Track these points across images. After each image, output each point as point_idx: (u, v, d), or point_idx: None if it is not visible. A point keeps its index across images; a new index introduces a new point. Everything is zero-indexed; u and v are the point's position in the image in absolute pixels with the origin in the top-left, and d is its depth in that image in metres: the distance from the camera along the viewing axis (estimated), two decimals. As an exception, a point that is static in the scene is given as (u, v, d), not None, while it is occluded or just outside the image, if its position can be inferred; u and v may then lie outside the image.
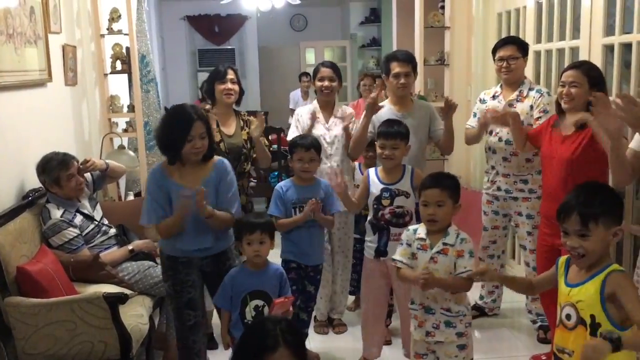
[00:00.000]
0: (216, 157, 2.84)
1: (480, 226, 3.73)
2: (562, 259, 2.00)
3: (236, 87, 3.51)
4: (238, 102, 3.61)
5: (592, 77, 2.87)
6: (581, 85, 2.86)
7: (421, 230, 2.54)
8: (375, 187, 3.07)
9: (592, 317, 1.81)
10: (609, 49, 3.28)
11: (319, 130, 3.62)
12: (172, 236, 2.74)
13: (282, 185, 3.25)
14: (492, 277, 2.44)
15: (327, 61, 3.81)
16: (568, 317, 1.88)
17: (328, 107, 3.66)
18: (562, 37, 3.74)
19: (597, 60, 3.30)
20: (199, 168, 2.73)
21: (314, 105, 3.71)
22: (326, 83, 3.58)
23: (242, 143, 3.49)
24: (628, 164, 2.47)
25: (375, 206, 3.07)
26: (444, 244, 2.45)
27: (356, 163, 3.75)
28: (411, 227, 2.60)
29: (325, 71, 3.60)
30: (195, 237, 2.71)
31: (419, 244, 2.51)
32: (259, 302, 2.64)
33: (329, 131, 3.62)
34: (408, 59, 3.40)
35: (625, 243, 3.21)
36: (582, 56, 3.44)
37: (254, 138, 3.49)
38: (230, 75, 3.48)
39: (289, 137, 3.70)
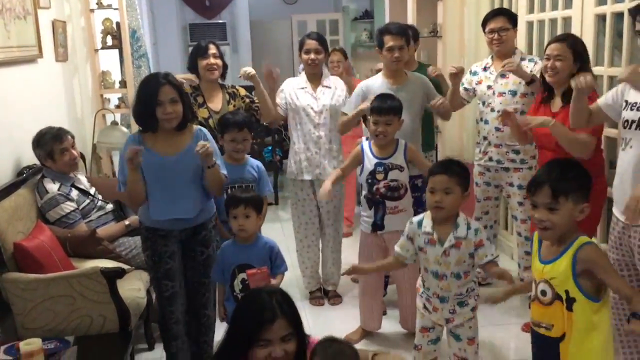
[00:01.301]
0: (195, 126, 2.78)
1: (473, 198, 3.77)
2: (536, 235, 2.03)
3: (219, 62, 3.49)
4: (223, 76, 3.60)
5: (576, 50, 2.90)
6: (566, 59, 2.89)
7: (426, 222, 2.46)
8: (369, 161, 3.08)
9: (567, 292, 1.86)
10: (601, 18, 3.28)
11: (306, 100, 3.63)
12: (138, 202, 2.67)
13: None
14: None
15: (313, 32, 3.80)
16: (543, 293, 1.93)
17: (315, 78, 3.68)
18: (554, 7, 3.72)
19: (590, 30, 3.30)
20: (177, 137, 2.66)
21: (302, 77, 3.72)
22: (312, 56, 3.59)
23: None
24: (586, 112, 2.60)
25: (369, 181, 3.08)
26: (456, 237, 2.38)
27: (364, 138, 3.73)
28: (415, 219, 2.53)
29: (311, 43, 3.61)
30: (173, 206, 2.64)
31: (426, 238, 2.45)
32: (245, 276, 2.65)
33: (317, 100, 3.63)
34: (401, 32, 3.38)
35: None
36: (575, 26, 3.44)
37: (252, 80, 3.41)
38: (212, 50, 3.46)
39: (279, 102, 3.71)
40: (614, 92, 2.55)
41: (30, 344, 2.17)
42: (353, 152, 3.19)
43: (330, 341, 1.86)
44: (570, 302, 1.85)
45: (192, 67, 3.53)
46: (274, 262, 2.76)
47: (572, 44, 2.91)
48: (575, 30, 3.40)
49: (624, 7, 3.07)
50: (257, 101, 3.55)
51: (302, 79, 3.71)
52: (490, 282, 3.95)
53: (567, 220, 1.87)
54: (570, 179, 1.90)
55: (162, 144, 2.64)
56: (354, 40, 9.67)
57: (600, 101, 2.62)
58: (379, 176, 3.05)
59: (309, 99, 3.64)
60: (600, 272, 1.82)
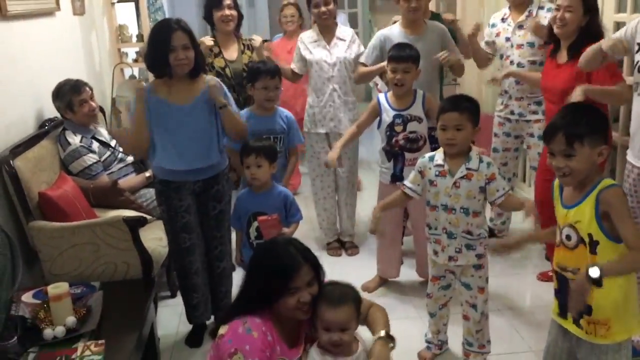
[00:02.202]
0: (207, 76, 2.78)
1: (489, 151, 3.75)
2: (557, 182, 2.02)
3: (234, 12, 3.48)
4: (238, 27, 3.58)
5: (587, 2, 2.84)
6: (576, 10, 2.84)
7: (438, 156, 2.48)
8: (387, 113, 3.06)
9: (590, 235, 1.86)
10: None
11: (320, 53, 3.61)
12: (139, 146, 2.69)
13: (243, 114, 3.03)
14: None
15: None
16: (568, 237, 1.92)
17: (328, 31, 3.63)
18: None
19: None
20: (189, 86, 2.66)
21: (315, 30, 3.67)
22: (322, 8, 3.54)
23: (243, 67, 3.50)
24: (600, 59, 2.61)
25: (388, 133, 3.07)
26: (468, 169, 2.41)
27: (378, 86, 3.72)
28: (427, 155, 2.55)
29: None
30: (188, 154, 2.66)
31: (437, 170, 2.47)
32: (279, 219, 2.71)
33: (330, 54, 3.60)
34: None
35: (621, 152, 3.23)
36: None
37: (255, 48, 3.47)
38: (227, 1, 3.45)
39: (292, 64, 3.71)
40: (623, 32, 2.50)
41: (57, 287, 2.24)
42: (369, 106, 3.18)
43: (333, 284, 1.92)
44: (594, 245, 1.85)
45: (208, 18, 3.52)
46: (289, 210, 2.80)
47: None
48: (599, -25, 3.30)
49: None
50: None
51: (314, 32, 3.67)
52: (506, 234, 3.97)
53: (585, 165, 1.86)
54: (584, 123, 1.87)
55: (175, 93, 2.65)
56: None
57: (616, 37, 2.56)
58: (398, 128, 3.04)
59: (322, 52, 3.61)
60: (616, 217, 1.82)
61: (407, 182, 2.58)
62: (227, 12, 3.45)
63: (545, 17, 3.31)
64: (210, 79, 2.67)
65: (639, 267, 1.95)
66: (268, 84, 3.10)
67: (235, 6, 3.51)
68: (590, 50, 2.62)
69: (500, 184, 2.42)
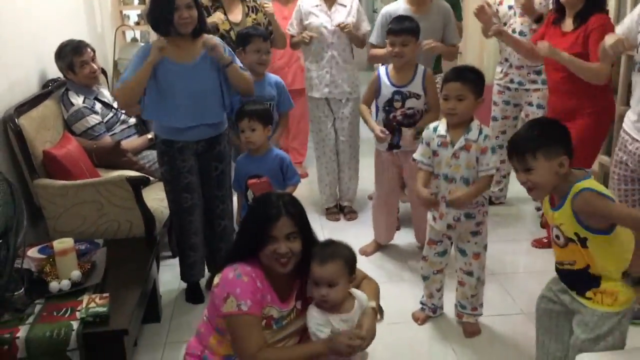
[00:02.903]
0: (206, 36, 2.78)
1: (488, 116, 3.78)
2: None
3: None
4: None
5: None
6: None
7: (441, 126, 2.51)
8: (387, 89, 3.07)
9: (576, 234, 1.91)
10: None
11: (320, 19, 3.61)
12: (132, 102, 2.70)
13: None
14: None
15: None
16: (557, 237, 1.99)
17: None
18: None
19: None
20: (192, 45, 2.69)
21: None
22: None
23: None
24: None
25: (386, 108, 3.09)
26: (466, 139, 2.43)
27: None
28: (431, 125, 2.57)
29: None
30: (194, 112, 2.69)
31: (439, 140, 2.49)
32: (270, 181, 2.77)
33: (331, 19, 3.60)
34: None
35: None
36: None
37: (269, 15, 3.46)
38: None
39: (288, 28, 3.71)
40: (630, 21, 2.51)
41: (63, 242, 2.30)
42: (370, 81, 3.18)
43: (328, 243, 1.96)
44: (583, 241, 1.90)
45: None
46: (285, 173, 2.84)
47: None
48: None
49: None
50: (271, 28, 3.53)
51: None
52: (503, 202, 4.03)
53: (546, 177, 1.89)
54: (535, 137, 1.91)
55: (178, 52, 2.67)
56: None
57: (621, 31, 2.57)
58: (397, 104, 3.06)
59: (323, 18, 3.61)
60: (603, 214, 1.85)
61: (418, 157, 2.59)
62: None
63: None
64: (208, 38, 2.69)
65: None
66: (260, 47, 3.09)
67: None
68: (600, 51, 2.64)
69: (488, 159, 2.43)
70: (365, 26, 3.65)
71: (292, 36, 3.73)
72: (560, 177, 1.89)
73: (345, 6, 3.63)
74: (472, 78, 2.43)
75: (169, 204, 2.91)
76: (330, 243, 1.96)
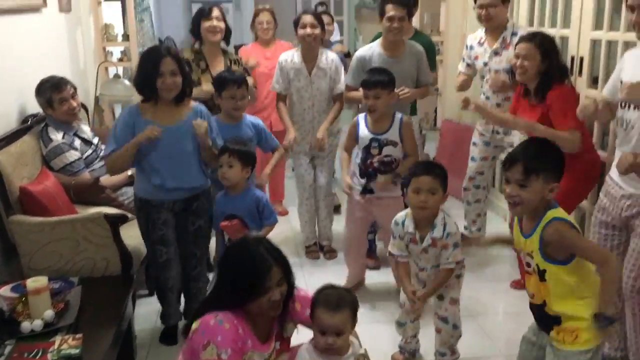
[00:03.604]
0: (193, 102, 2.84)
1: (465, 158, 3.84)
2: None
3: (222, 25, 3.55)
4: (226, 41, 3.65)
5: (543, 48, 2.96)
6: (532, 57, 2.96)
7: (408, 222, 2.57)
8: (365, 136, 3.13)
9: (537, 265, 1.97)
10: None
11: (300, 83, 3.66)
12: (117, 171, 2.81)
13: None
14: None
15: (309, 9, 3.85)
16: (528, 264, 2.03)
17: (311, 57, 3.65)
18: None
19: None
20: (175, 110, 2.73)
21: (298, 55, 3.68)
22: (308, 30, 3.57)
23: None
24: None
25: (363, 155, 3.14)
26: (432, 238, 2.51)
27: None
28: (399, 220, 2.61)
29: (307, 17, 3.61)
30: (174, 174, 2.72)
31: (408, 237, 2.57)
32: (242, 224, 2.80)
33: (311, 84, 3.66)
34: (404, 2, 3.37)
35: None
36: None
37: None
38: (215, 12, 3.54)
39: (272, 86, 3.77)
40: (613, 79, 2.59)
41: (37, 281, 2.25)
42: (349, 128, 3.24)
43: (329, 288, 1.97)
44: (541, 274, 1.96)
45: (195, 30, 3.59)
46: (261, 212, 2.84)
47: (540, 43, 2.97)
48: (577, -4, 3.41)
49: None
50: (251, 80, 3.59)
51: (297, 58, 3.68)
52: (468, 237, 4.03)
53: (536, 197, 1.94)
54: (544, 158, 1.97)
55: (160, 115, 2.71)
56: (357, 1, 9.59)
57: (605, 92, 2.64)
58: (374, 151, 3.12)
59: (303, 82, 3.66)
60: (576, 250, 1.91)
61: (395, 252, 2.64)
62: (215, 23, 3.53)
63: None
64: (197, 124, 2.70)
65: (616, 278, 2.02)
66: (235, 94, 3.12)
67: (224, 19, 3.57)
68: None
69: (450, 254, 2.52)
70: (340, 87, 3.70)
71: (278, 96, 3.77)
72: (544, 202, 1.95)
73: (324, 69, 3.67)
74: (441, 173, 2.53)
75: (147, 256, 2.93)
76: (333, 290, 1.97)
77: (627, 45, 3.01)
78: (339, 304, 1.89)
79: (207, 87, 3.44)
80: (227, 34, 3.61)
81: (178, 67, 2.67)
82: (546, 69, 2.95)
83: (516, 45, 3.09)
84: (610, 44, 3.24)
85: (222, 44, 3.68)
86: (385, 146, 3.09)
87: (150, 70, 2.63)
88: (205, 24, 3.51)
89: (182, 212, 2.83)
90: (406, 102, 3.42)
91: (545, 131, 2.85)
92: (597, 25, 3.31)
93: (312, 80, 3.66)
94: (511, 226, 2.56)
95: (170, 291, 2.90)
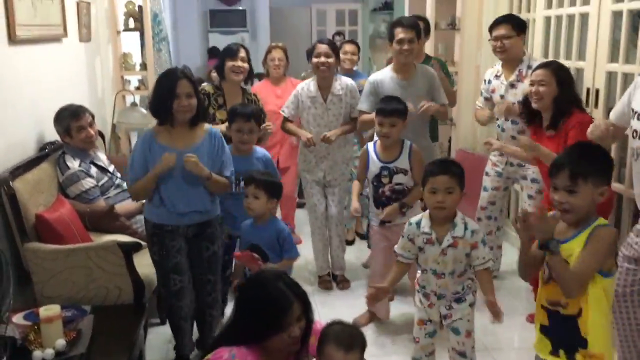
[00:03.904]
0: (207, 125, 2.86)
1: (478, 187, 3.81)
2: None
3: (246, 65, 3.61)
4: (246, 81, 3.72)
5: (559, 76, 2.97)
6: (549, 83, 2.96)
7: (424, 222, 2.47)
8: (375, 165, 3.15)
9: None
10: (618, 14, 3.30)
11: (317, 110, 3.71)
12: (143, 198, 2.79)
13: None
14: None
15: (324, 38, 3.89)
16: None
17: (326, 85, 3.70)
18: (572, 3, 3.74)
19: (606, 26, 3.32)
20: (189, 133, 2.74)
21: (313, 84, 3.74)
22: (322, 59, 3.63)
23: None
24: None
25: (375, 183, 3.16)
26: (454, 237, 2.40)
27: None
28: (413, 221, 2.53)
29: (322, 47, 3.66)
30: (187, 198, 2.72)
31: (424, 238, 2.46)
32: (255, 255, 2.79)
33: (327, 111, 3.70)
34: (412, 25, 3.42)
35: (626, 204, 3.28)
36: (592, 22, 3.45)
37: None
38: (242, 53, 3.59)
39: (283, 109, 3.82)
40: (622, 103, 2.58)
41: (49, 310, 2.25)
42: (360, 157, 3.28)
43: (338, 324, 1.94)
44: None
45: (219, 67, 3.64)
46: (282, 246, 2.84)
47: (556, 70, 2.98)
48: (592, 26, 3.42)
49: (640, 4, 3.10)
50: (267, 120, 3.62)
51: (313, 87, 3.73)
52: (496, 275, 3.99)
53: (586, 203, 1.91)
54: (590, 161, 1.93)
55: (175, 138, 2.72)
56: (372, 31, 9.69)
57: (612, 117, 2.64)
58: (384, 180, 3.13)
59: (319, 109, 3.71)
60: (589, 247, 1.87)
61: (398, 250, 2.58)
62: (240, 63, 3.57)
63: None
64: (188, 162, 2.65)
65: (570, 283, 1.93)
66: (242, 127, 3.16)
67: (248, 60, 3.63)
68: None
69: (482, 253, 2.42)
70: (356, 112, 3.72)
71: (285, 118, 3.81)
72: (593, 207, 1.92)
73: (339, 96, 3.71)
74: (457, 172, 2.44)
75: (159, 286, 2.90)
76: (344, 327, 1.93)
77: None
78: (350, 343, 1.85)
79: (222, 124, 3.49)
80: (249, 74, 3.66)
81: (193, 89, 2.70)
82: (561, 96, 2.94)
83: (532, 72, 3.09)
84: (627, 76, 3.23)
85: (242, 83, 3.73)
86: (395, 174, 3.10)
87: (166, 92, 2.65)
88: (230, 63, 3.56)
89: (195, 238, 2.82)
90: (427, 115, 3.40)
91: (543, 152, 2.85)
92: (613, 58, 3.31)
93: (328, 107, 3.70)
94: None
95: (184, 320, 2.87)
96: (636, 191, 2.51)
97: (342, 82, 3.74)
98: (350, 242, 4.52)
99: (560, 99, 2.96)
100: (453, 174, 2.41)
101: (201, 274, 2.88)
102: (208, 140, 2.77)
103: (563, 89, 2.95)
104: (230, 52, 3.59)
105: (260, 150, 3.33)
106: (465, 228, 2.41)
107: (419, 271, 2.59)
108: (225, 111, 3.53)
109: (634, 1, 3.17)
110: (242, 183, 3.11)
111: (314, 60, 3.66)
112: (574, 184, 1.90)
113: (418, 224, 2.49)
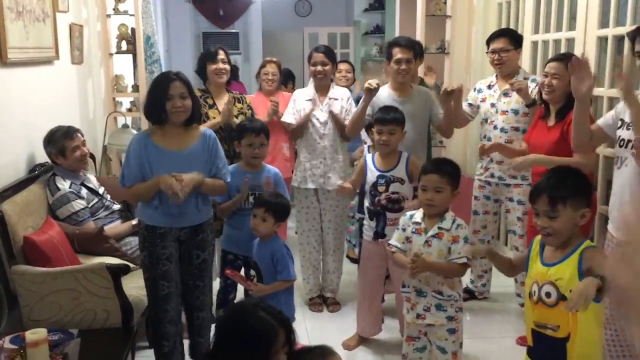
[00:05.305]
0: (202, 128, 2.89)
1: (469, 211, 3.83)
2: (538, 238, 2.09)
3: (227, 67, 3.66)
4: (228, 81, 3.77)
5: None
6: (562, 77, 2.99)
7: (418, 215, 2.59)
8: (372, 173, 3.16)
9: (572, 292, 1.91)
10: (603, 40, 3.36)
11: (314, 111, 3.74)
12: (139, 202, 2.78)
13: (230, 169, 3.05)
14: (479, 251, 2.50)
15: (320, 45, 3.92)
16: (548, 295, 1.97)
17: (323, 90, 3.78)
18: (558, 28, 3.81)
19: (592, 51, 3.38)
20: (184, 134, 2.75)
21: (310, 88, 3.83)
22: (319, 68, 3.70)
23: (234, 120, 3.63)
24: (588, 128, 2.60)
25: (372, 192, 3.16)
26: (440, 228, 2.50)
27: (366, 146, 3.80)
28: (408, 213, 2.66)
29: (318, 56, 3.72)
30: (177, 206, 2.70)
31: (414, 227, 2.57)
32: (253, 272, 2.87)
33: (322, 112, 3.73)
34: (410, 45, 3.46)
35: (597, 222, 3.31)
36: (577, 47, 3.52)
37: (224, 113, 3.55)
38: (221, 55, 3.64)
39: (284, 118, 3.82)
40: (614, 112, 2.63)
41: (36, 333, 2.23)
42: (359, 165, 3.29)
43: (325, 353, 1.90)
44: None
45: (200, 71, 3.66)
46: (275, 266, 2.83)
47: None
48: (577, 51, 3.48)
49: (624, 30, 3.15)
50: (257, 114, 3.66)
51: (310, 90, 3.82)
52: (487, 296, 4.00)
53: (568, 226, 1.94)
54: (567, 185, 1.97)
55: (169, 139, 2.73)
56: (363, 54, 9.78)
57: (601, 121, 2.69)
58: (381, 188, 3.13)
59: (316, 110, 3.73)
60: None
61: (394, 242, 2.64)
62: (221, 65, 3.62)
63: (529, 87, 3.44)
64: (165, 184, 2.61)
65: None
66: (253, 141, 3.19)
67: (228, 61, 3.68)
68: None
69: (460, 248, 2.47)
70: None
71: (289, 124, 3.82)
72: (577, 229, 1.94)
73: (336, 99, 3.75)
74: (449, 170, 2.52)
75: (147, 290, 2.86)
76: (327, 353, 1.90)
77: None
78: None
79: (215, 119, 3.57)
80: (234, 72, 3.70)
81: (187, 90, 2.71)
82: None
83: (546, 64, 3.13)
84: (612, 100, 3.27)
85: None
86: (392, 183, 3.11)
87: (159, 93, 2.67)
88: (212, 67, 3.62)
89: (186, 243, 2.81)
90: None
91: (555, 161, 2.84)
92: (599, 82, 3.36)
93: (324, 108, 3.73)
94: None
95: (170, 323, 2.80)
96: (612, 200, 2.55)
97: (339, 90, 3.84)
98: (354, 260, 4.49)
99: (572, 93, 2.97)
100: (444, 173, 2.50)
101: (190, 280, 2.87)
102: (202, 141, 2.78)
103: None
104: (210, 55, 3.64)
105: (271, 167, 3.35)
106: (453, 222, 2.50)
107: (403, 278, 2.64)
108: (217, 110, 3.56)
109: (618, 27, 3.23)
110: (251, 198, 3.14)
111: (311, 68, 3.74)
112: (553, 209, 1.93)
113: (411, 215, 2.61)
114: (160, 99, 2.66)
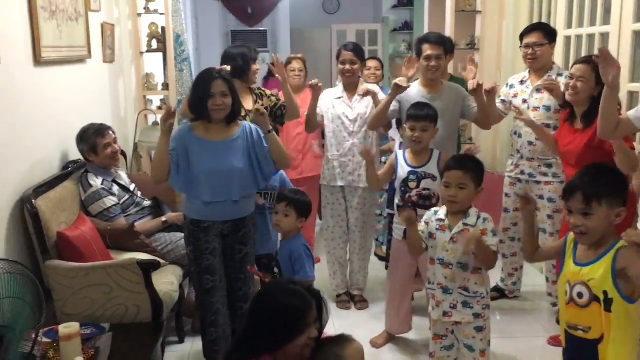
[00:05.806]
0: (242, 122, 2.95)
1: (499, 208, 3.78)
2: (571, 237, 2.04)
3: (227, 101, 3.60)
4: (267, 78, 3.76)
5: (599, 73, 2.89)
6: (588, 81, 2.94)
7: (441, 211, 2.57)
8: (403, 169, 3.13)
9: (605, 293, 1.86)
10: (639, 35, 3.27)
11: (342, 109, 3.73)
12: (160, 175, 2.82)
13: None
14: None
15: (349, 43, 3.86)
16: (580, 295, 1.93)
17: (351, 88, 3.76)
18: (592, 23, 3.73)
19: (627, 46, 3.30)
20: (225, 128, 2.86)
21: (339, 87, 3.82)
22: (347, 66, 3.69)
23: None
24: (616, 117, 2.47)
25: (402, 188, 3.13)
26: (465, 224, 2.48)
27: (397, 142, 3.77)
28: (433, 209, 2.66)
29: (347, 54, 3.70)
30: (223, 188, 2.77)
31: (437, 224, 2.55)
32: (276, 270, 2.88)
33: (352, 109, 3.72)
34: (440, 42, 3.40)
35: None
36: (612, 42, 3.43)
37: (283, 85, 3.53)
38: (255, 66, 3.60)
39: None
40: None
41: (69, 327, 2.28)
42: (389, 161, 3.26)
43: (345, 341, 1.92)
44: (608, 303, 1.86)
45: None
46: (293, 266, 2.82)
47: (596, 67, 2.90)
48: (612, 46, 3.40)
49: (662, 24, 3.07)
50: (283, 100, 3.59)
51: (339, 88, 3.81)
52: (517, 295, 3.94)
53: (602, 225, 1.89)
54: (603, 183, 1.91)
55: (211, 132, 2.83)
56: (392, 51, 9.72)
57: (631, 113, 2.61)
58: (412, 184, 3.10)
59: (344, 108, 3.73)
60: (635, 273, 1.83)
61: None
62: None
63: (562, 84, 3.37)
64: (256, 107, 2.89)
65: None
66: None
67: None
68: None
69: (489, 240, 2.44)
70: None
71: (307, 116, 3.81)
72: (611, 228, 1.89)
73: (365, 95, 3.72)
74: (473, 167, 2.50)
75: (193, 283, 2.98)
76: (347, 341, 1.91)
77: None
78: None
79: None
80: (270, 70, 3.67)
81: (229, 88, 2.79)
82: (599, 94, 2.90)
83: (572, 66, 3.07)
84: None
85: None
86: (423, 179, 3.08)
87: (202, 91, 2.77)
88: (254, 67, 3.53)
89: (229, 236, 2.88)
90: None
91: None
92: (634, 78, 3.28)
93: (353, 106, 3.72)
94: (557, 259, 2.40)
95: (216, 314, 2.87)
96: None
97: (369, 85, 3.80)
98: (383, 258, 4.48)
99: (598, 97, 2.91)
100: (467, 169, 2.47)
101: (233, 273, 2.94)
102: (242, 133, 2.87)
103: (601, 87, 2.90)
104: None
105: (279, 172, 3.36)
106: (478, 218, 2.49)
107: (428, 263, 2.63)
108: (243, 109, 3.56)
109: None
110: (261, 198, 3.17)
111: (340, 66, 3.73)
112: (588, 207, 1.88)
113: (436, 211, 2.61)
114: (203, 97, 2.75)
